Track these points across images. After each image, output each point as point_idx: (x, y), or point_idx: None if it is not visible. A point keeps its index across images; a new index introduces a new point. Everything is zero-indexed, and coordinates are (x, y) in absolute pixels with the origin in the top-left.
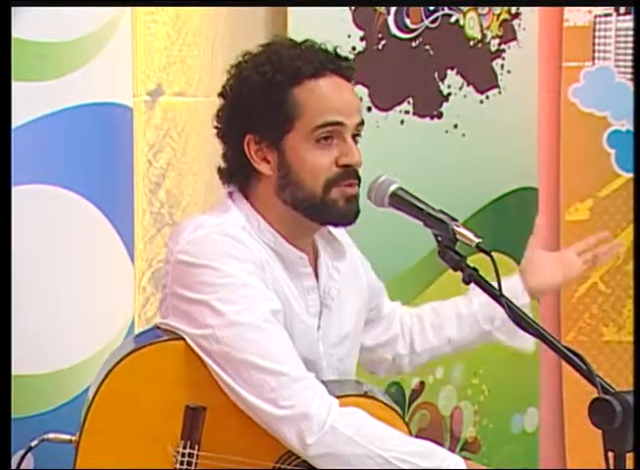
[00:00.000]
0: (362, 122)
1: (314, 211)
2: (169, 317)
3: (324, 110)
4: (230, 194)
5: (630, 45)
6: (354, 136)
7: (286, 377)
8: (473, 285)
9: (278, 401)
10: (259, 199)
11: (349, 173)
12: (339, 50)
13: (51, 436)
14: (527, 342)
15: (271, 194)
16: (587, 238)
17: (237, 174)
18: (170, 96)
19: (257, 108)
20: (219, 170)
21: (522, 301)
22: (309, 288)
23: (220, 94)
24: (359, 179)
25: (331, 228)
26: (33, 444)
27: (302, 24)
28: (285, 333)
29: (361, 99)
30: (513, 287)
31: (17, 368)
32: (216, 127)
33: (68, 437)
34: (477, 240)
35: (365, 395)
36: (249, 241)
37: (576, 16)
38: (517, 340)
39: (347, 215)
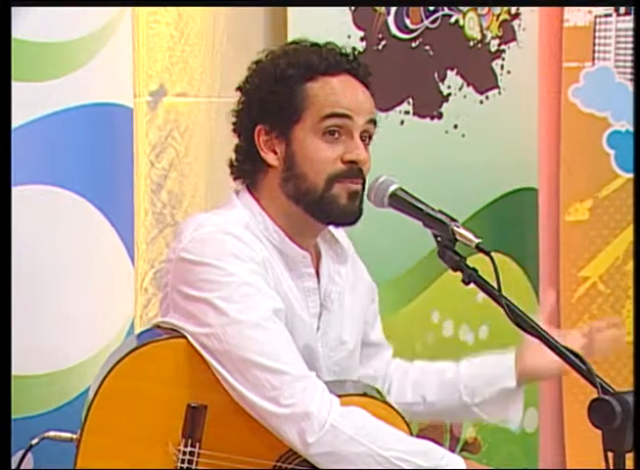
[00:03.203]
0: (374, 122)
1: (315, 206)
2: (171, 315)
3: (333, 103)
4: (237, 192)
5: (630, 45)
6: (365, 138)
7: (287, 376)
8: (465, 361)
9: (279, 400)
10: (265, 193)
11: (354, 171)
12: (357, 52)
13: (52, 434)
14: (512, 421)
15: (276, 187)
16: (597, 322)
17: (246, 167)
18: (173, 96)
19: (270, 99)
20: (230, 164)
21: (507, 384)
22: (310, 289)
23: (239, 88)
24: (364, 179)
25: (334, 232)
26: (34, 442)
27: (302, 25)
28: (286, 332)
29: None
30: (504, 364)
31: (17, 368)
32: (233, 123)
33: (68, 435)
34: (476, 240)
35: (365, 394)
36: (251, 240)
37: (576, 16)
38: (498, 419)
39: (348, 214)
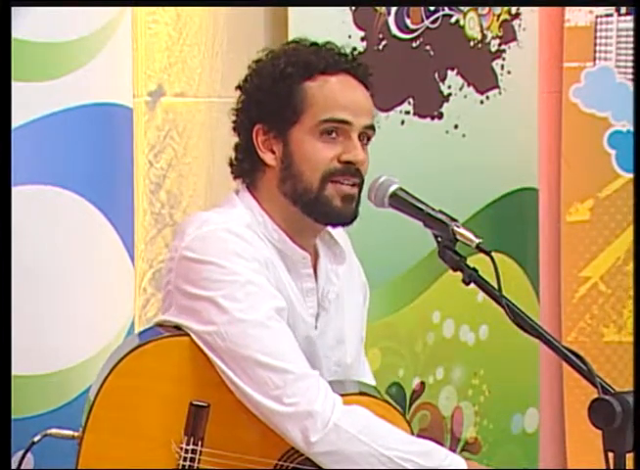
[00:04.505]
0: (372, 128)
1: (311, 206)
2: (173, 313)
3: (332, 106)
4: (237, 191)
5: (631, 45)
6: (363, 139)
7: (290, 374)
8: None
9: (282, 399)
10: (264, 193)
11: (350, 170)
12: (356, 52)
13: (53, 431)
14: None
15: (274, 187)
16: None
17: (245, 166)
18: (171, 97)
19: (268, 98)
20: (230, 163)
21: None
22: (308, 289)
23: (238, 87)
24: (362, 180)
25: (332, 232)
26: (36, 439)
27: (302, 25)
28: (289, 331)
29: None
30: None
31: (17, 368)
32: (233, 122)
33: (70, 432)
34: (477, 240)
35: (366, 394)
36: (253, 239)
37: (577, 16)
38: None
39: (342, 215)
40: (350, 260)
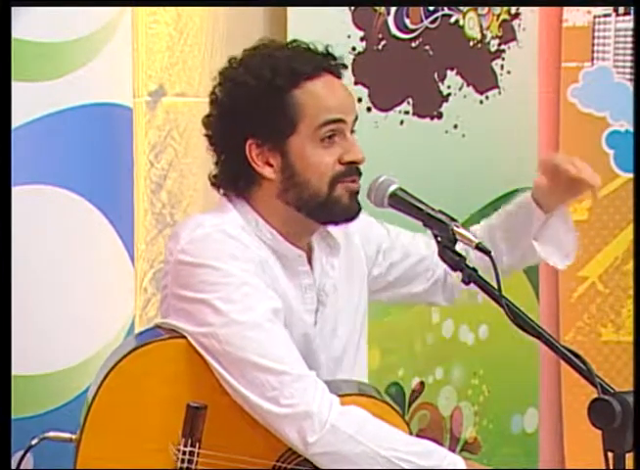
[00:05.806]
0: (357, 117)
1: (319, 209)
2: (170, 317)
3: (324, 109)
4: (227, 196)
5: (629, 45)
6: (353, 134)
7: (287, 376)
8: None
9: (279, 400)
10: (260, 203)
11: (353, 170)
12: (330, 49)
13: (51, 434)
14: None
15: (273, 197)
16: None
17: (237, 180)
18: (172, 96)
19: (258, 112)
20: (212, 177)
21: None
22: (307, 286)
23: (210, 101)
24: (360, 175)
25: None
26: (34, 442)
27: (302, 25)
28: (286, 332)
29: (360, 99)
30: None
31: (17, 368)
32: (207, 135)
33: (68, 435)
34: (476, 240)
35: (364, 394)
36: (248, 241)
37: (576, 16)
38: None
39: (350, 212)
40: (350, 250)
